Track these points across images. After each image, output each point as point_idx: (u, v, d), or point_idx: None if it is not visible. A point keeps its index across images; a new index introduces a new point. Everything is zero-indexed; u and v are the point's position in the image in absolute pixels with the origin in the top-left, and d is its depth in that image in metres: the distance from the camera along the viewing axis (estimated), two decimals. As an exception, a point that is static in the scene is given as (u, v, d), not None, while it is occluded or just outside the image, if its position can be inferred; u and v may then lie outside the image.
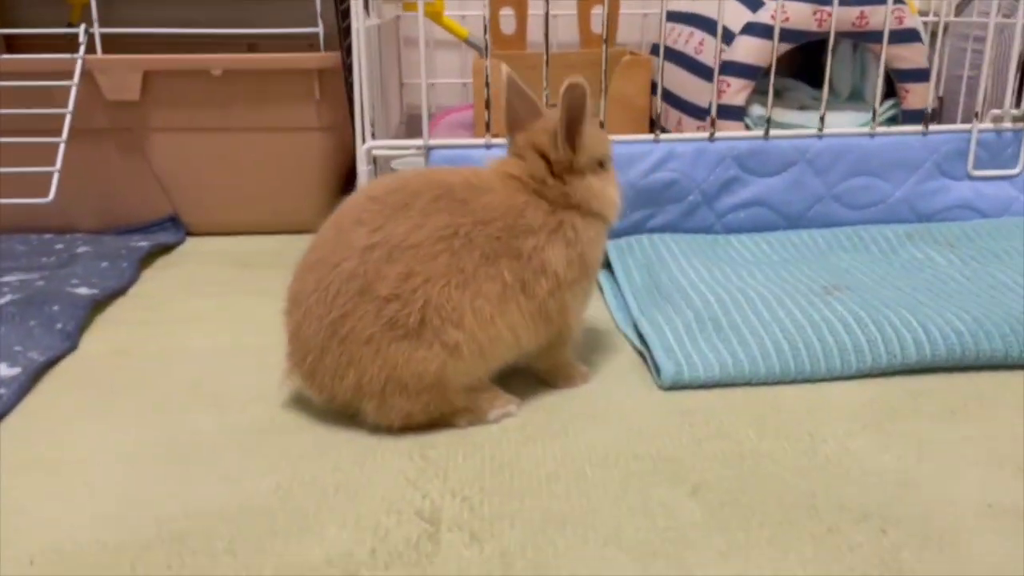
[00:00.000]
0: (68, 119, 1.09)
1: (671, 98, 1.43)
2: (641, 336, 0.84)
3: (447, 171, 0.75)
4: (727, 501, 0.60)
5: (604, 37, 1.17)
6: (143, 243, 1.16)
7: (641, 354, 0.83)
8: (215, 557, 0.54)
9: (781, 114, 1.24)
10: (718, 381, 0.76)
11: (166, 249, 1.19)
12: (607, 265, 1.00)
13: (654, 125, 1.55)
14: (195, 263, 1.14)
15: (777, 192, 1.07)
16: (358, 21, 0.99)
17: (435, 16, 1.38)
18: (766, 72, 1.25)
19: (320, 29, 1.19)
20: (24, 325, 0.89)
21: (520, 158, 0.75)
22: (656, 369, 0.78)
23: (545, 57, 1.05)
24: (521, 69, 1.50)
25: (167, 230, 1.24)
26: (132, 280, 1.06)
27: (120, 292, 1.02)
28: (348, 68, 1.10)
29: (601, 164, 0.77)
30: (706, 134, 1.08)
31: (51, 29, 1.22)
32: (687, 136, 1.09)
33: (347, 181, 1.37)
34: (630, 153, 1.04)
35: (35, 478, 0.64)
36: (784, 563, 0.53)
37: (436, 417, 0.69)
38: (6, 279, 1.03)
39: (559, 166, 0.73)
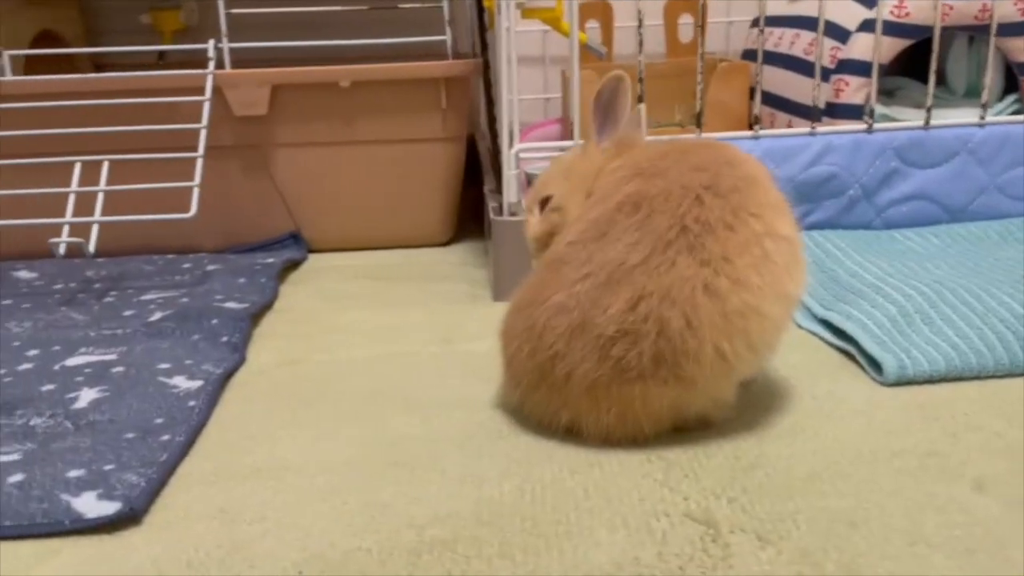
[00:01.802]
0: (203, 134, 1.07)
1: (777, 101, 1.41)
2: (835, 331, 0.80)
3: (612, 187, 0.66)
4: (1020, 494, 0.55)
5: (700, 46, 1.14)
6: (271, 259, 1.14)
7: (842, 351, 0.79)
8: (490, 561, 0.51)
9: (897, 112, 1.20)
10: (944, 375, 0.71)
11: (293, 266, 1.17)
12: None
13: (758, 124, 1.53)
14: (327, 278, 1.12)
15: (939, 184, 1.03)
16: (508, 21, 0.96)
17: (554, 22, 1.36)
18: (885, 70, 1.22)
19: (448, 36, 1.17)
20: (187, 339, 0.86)
21: None
22: (872, 364, 0.74)
23: (640, 69, 1.02)
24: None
25: (289, 247, 1.22)
26: (275, 295, 1.03)
27: (267, 306, 0.99)
28: (487, 73, 1.09)
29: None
30: (863, 125, 1.04)
31: (152, 47, 1.21)
32: (844, 128, 1.05)
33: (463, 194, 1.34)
34: (787, 147, 1.01)
35: (264, 486, 0.60)
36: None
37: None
38: (147, 297, 1.01)
39: None
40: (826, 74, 1.31)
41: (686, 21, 1.62)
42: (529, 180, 1.14)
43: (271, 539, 0.54)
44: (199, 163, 1.05)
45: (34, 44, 1.32)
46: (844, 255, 0.94)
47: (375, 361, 0.83)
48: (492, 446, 0.65)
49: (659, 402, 0.60)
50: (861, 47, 1.31)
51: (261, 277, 1.07)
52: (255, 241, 1.22)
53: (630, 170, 0.66)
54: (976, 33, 1.15)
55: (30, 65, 1.26)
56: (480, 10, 1.03)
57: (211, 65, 1.12)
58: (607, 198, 0.65)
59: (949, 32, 1.21)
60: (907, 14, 1.22)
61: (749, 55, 1.59)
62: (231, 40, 1.14)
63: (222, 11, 1.13)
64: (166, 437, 0.67)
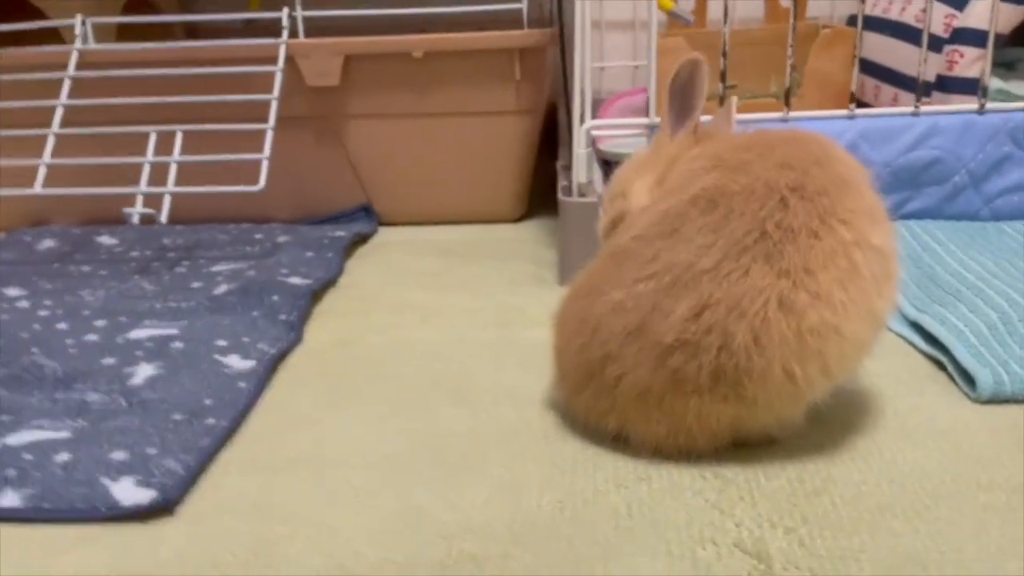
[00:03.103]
0: (274, 105, 1.06)
1: (882, 72, 1.30)
2: (926, 336, 0.73)
3: (688, 177, 0.60)
4: None
5: (793, 16, 1.05)
6: (341, 233, 1.13)
7: (933, 359, 0.72)
8: (517, 585, 0.48)
9: (1016, 87, 1.09)
10: (1049, 394, 0.64)
11: (362, 239, 1.16)
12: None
13: (859, 105, 1.42)
14: (395, 253, 1.10)
15: (1061, 173, 0.93)
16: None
17: (641, -12, 1.29)
18: (1004, 41, 1.10)
19: (524, 5, 1.12)
20: (247, 316, 0.86)
21: None
22: (964, 377, 0.67)
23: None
24: (703, 49, 1.38)
25: (360, 220, 1.21)
26: (340, 270, 1.02)
27: (331, 282, 0.99)
28: (561, 40, 1.03)
29: None
30: (975, 105, 0.94)
31: (240, 15, 1.20)
32: (952, 108, 0.95)
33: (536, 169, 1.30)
34: (886, 127, 0.92)
35: (300, 480, 0.59)
36: None
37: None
38: (217, 268, 1.02)
39: None
40: (939, 44, 1.20)
41: (789, -17, 1.50)
42: (605, 160, 1.09)
43: (298, 542, 0.52)
44: (269, 135, 1.04)
45: (126, 10, 1.34)
46: (944, 250, 0.85)
47: (429, 345, 0.80)
48: (537, 449, 0.62)
49: (715, 420, 0.55)
50: (980, 15, 1.19)
51: (328, 252, 1.06)
52: (327, 212, 1.22)
53: (710, 160, 0.60)
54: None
55: (123, 31, 1.28)
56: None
57: (284, 34, 1.11)
58: (682, 189, 0.60)
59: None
60: (1032, -23, 1.10)
61: (855, 21, 1.48)
62: (306, 8, 1.12)
63: (297, -21, 1.11)
64: (211, 421, 0.66)
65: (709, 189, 0.58)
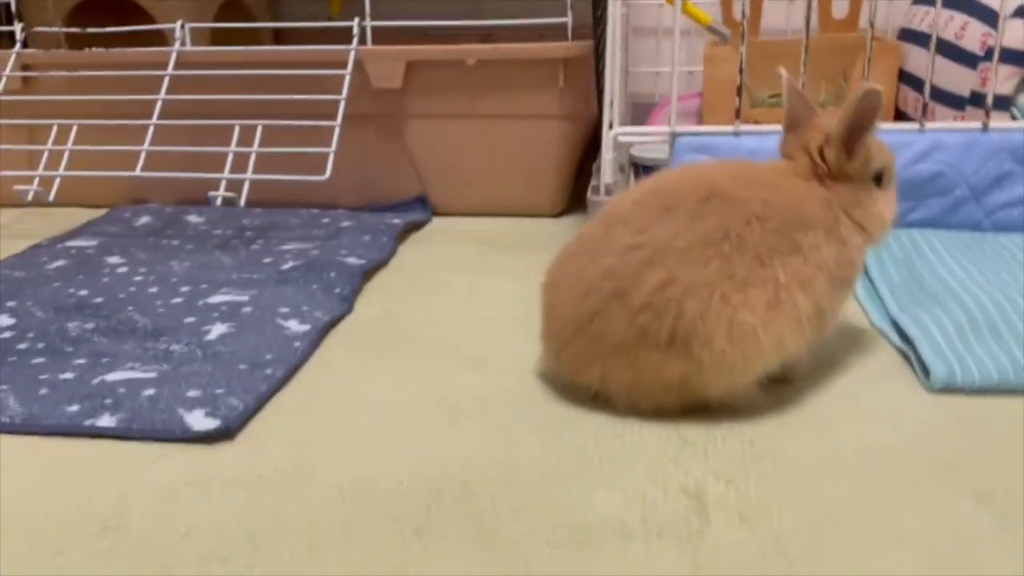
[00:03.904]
0: (342, 104, 1.19)
1: (923, 86, 1.35)
2: (903, 335, 0.81)
3: (710, 167, 0.74)
4: (1020, 510, 0.56)
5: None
6: (396, 220, 1.26)
7: (904, 354, 0.79)
8: (497, 508, 0.59)
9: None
10: (996, 387, 0.71)
11: (417, 226, 1.28)
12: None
13: (900, 116, 1.47)
14: (443, 241, 1.22)
15: (1059, 189, 0.98)
16: (614, 7, 1.01)
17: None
18: None
19: (569, 19, 1.23)
20: (308, 288, 1.00)
21: (790, 159, 0.74)
22: (923, 369, 0.74)
23: (804, 44, 1.02)
24: (756, 58, 1.47)
25: (416, 209, 1.33)
26: (392, 253, 1.15)
27: (383, 263, 1.11)
28: (599, 55, 1.13)
29: (879, 178, 0.74)
30: (978, 124, 1.00)
31: (319, 23, 1.35)
32: (958, 125, 1.02)
33: (580, 170, 1.40)
34: (895, 142, 0.99)
35: (336, 421, 0.72)
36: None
37: (689, 407, 0.69)
38: (286, 247, 1.16)
39: (828, 169, 0.72)
40: (975, 61, 1.25)
41: (842, -5, 1.55)
42: (637, 165, 1.18)
43: (328, 464, 0.65)
44: (336, 131, 1.18)
45: (220, 12, 1.50)
46: (936, 256, 0.92)
47: (459, 321, 0.92)
48: (533, 409, 0.73)
49: (671, 373, 0.66)
50: (1015, 34, 1.24)
51: (383, 236, 1.19)
52: (388, 202, 1.35)
53: (737, 166, 0.72)
54: None
55: (216, 33, 1.44)
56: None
57: (354, 41, 1.24)
58: (693, 172, 0.72)
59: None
60: (1070, -2, 1.15)
61: (904, 35, 1.52)
62: (374, 19, 1.25)
63: (367, -8, 1.25)
64: (269, 371, 0.79)
65: (713, 184, 0.69)
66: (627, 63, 1.66)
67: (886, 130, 1.00)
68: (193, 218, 1.31)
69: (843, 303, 0.73)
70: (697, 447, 0.65)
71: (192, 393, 0.75)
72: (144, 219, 1.31)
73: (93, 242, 1.20)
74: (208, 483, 0.63)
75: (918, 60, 1.40)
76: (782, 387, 0.73)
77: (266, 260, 1.11)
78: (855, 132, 0.70)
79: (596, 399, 0.71)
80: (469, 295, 1.00)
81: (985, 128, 1.00)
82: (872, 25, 1.06)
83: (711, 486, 0.60)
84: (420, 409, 0.73)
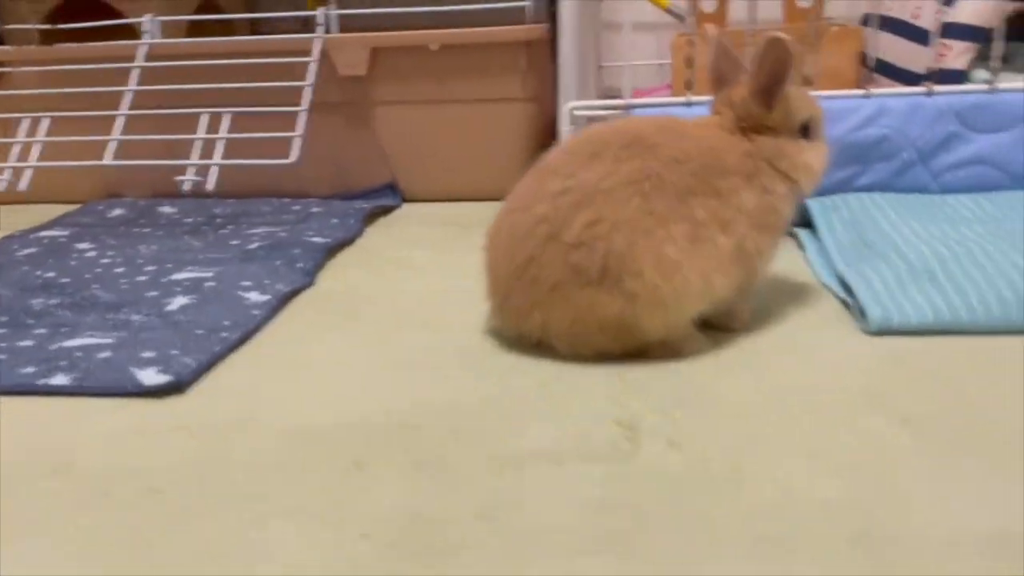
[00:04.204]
0: (309, 91, 1.21)
1: (885, 67, 1.38)
2: (847, 288, 0.82)
3: (638, 120, 0.77)
4: (943, 432, 0.58)
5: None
6: (366, 205, 1.28)
7: (846, 305, 0.81)
8: (437, 442, 0.60)
9: (1008, 79, 1.15)
10: (931, 328, 0.73)
11: (386, 211, 1.30)
12: (808, 224, 0.98)
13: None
14: (411, 223, 1.24)
15: (1004, 150, 1.00)
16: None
17: (641, -12, 1.40)
18: (990, 35, 1.17)
19: (529, 2, 1.25)
20: (271, 263, 1.01)
21: (717, 115, 0.76)
22: (863, 315, 0.76)
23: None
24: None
25: (386, 195, 1.35)
26: (358, 233, 1.17)
27: (349, 242, 1.13)
28: (555, 34, 1.16)
29: (806, 130, 0.76)
30: (922, 88, 1.03)
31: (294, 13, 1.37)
32: (901, 91, 1.04)
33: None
34: (838, 109, 1.01)
35: (288, 375, 0.73)
36: (1010, 489, 0.51)
37: (630, 349, 0.71)
38: (255, 231, 1.17)
39: (749, 121, 0.74)
40: (930, 38, 1.28)
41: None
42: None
43: (276, 411, 0.66)
44: (302, 116, 1.20)
45: (197, 11, 1.52)
46: (883, 216, 0.94)
47: (418, 291, 0.94)
48: (483, 361, 0.74)
49: (606, 310, 0.68)
50: (967, 11, 1.27)
51: (351, 219, 1.20)
52: (359, 189, 1.37)
53: (663, 119, 0.75)
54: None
55: (192, 28, 1.47)
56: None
57: (319, 30, 1.27)
58: (621, 123, 0.75)
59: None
60: (1017, -26, 1.17)
61: (866, 21, 1.55)
62: (339, 7, 1.28)
63: (331, -19, 1.27)
64: (225, 335, 0.81)
65: (637, 133, 0.72)
66: (600, 57, 1.69)
67: (832, 96, 1.02)
68: (166, 209, 1.32)
69: (771, 248, 0.74)
70: (637, 388, 0.67)
71: (146, 354, 0.76)
72: (117, 211, 1.32)
73: (65, 232, 1.22)
74: (155, 429, 0.64)
75: (883, 44, 1.43)
76: (723, 335, 0.75)
77: (233, 242, 1.12)
78: (770, 84, 0.72)
79: (540, 348, 0.73)
80: (429, 269, 1.02)
81: (929, 92, 1.02)
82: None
83: (645, 418, 0.62)
84: (370, 365, 0.74)
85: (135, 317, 0.87)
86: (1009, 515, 0.49)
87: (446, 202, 1.34)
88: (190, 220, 1.26)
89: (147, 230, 1.22)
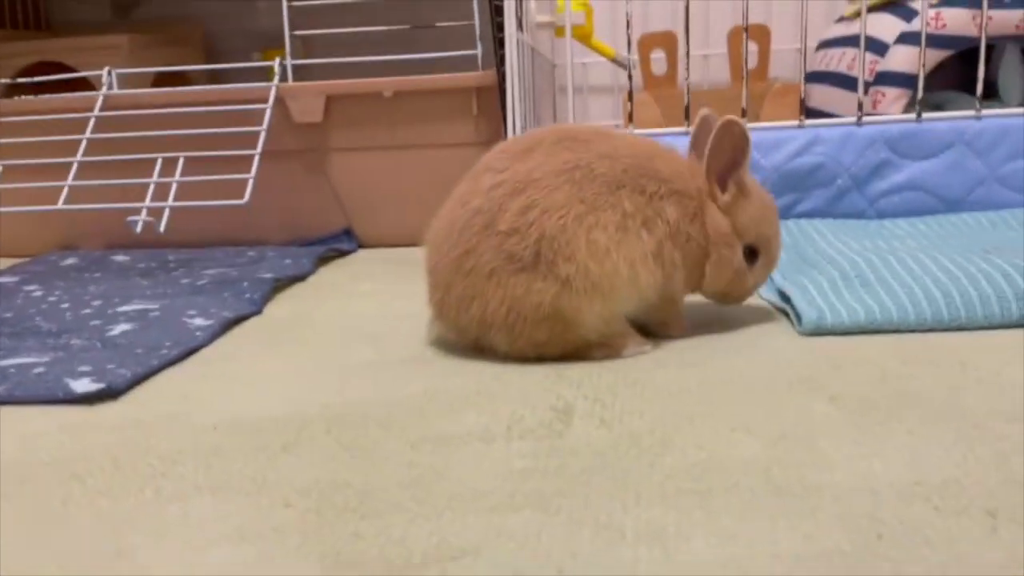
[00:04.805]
0: (263, 135, 1.24)
1: (824, 116, 1.44)
2: (785, 297, 0.84)
3: (576, 124, 0.80)
4: (867, 406, 0.59)
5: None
6: (321, 248, 1.29)
7: (785, 313, 0.82)
8: (367, 428, 0.60)
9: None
10: (863, 327, 0.74)
11: (342, 254, 1.31)
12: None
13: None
14: (364, 263, 1.25)
15: (935, 175, 1.04)
16: (511, 28, 1.08)
17: (584, 38, 1.46)
18: (932, 84, 1.23)
19: (479, 50, 1.30)
20: (219, 295, 1.01)
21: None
22: (798, 319, 0.77)
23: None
24: (672, 108, 1.55)
25: (342, 241, 1.36)
26: (310, 272, 1.17)
27: (300, 279, 1.13)
28: (503, 80, 1.20)
29: (753, 251, 0.76)
30: (853, 118, 1.07)
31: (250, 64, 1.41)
32: (833, 121, 1.08)
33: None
34: (775, 139, 1.05)
35: (226, 384, 0.72)
36: (926, 448, 0.52)
37: (570, 350, 0.71)
38: (208, 271, 1.18)
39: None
40: (865, 87, 1.34)
41: (753, 50, 1.68)
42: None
43: (205, 411, 0.65)
44: (256, 159, 1.22)
45: (157, 76, 1.56)
46: (820, 236, 0.97)
47: (364, 316, 0.94)
48: (423, 365, 0.74)
49: (542, 296, 0.69)
50: (898, 59, 1.34)
51: (304, 259, 1.21)
52: (314, 236, 1.38)
53: (602, 128, 0.78)
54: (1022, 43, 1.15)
55: (157, 80, 1.50)
56: (496, 25, 1.15)
57: (276, 79, 1.30)
58: (558, 126, 0.79)
59: (1000, 44, 1.20)
60: (943, 25, 1.24)
61: (810, 77, 1.63)
62: (294, 58, 1.32)
63: (287, 33, 1.31)
64: (164, 352, 0.80)
65: (570, 136, 0.74)
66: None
67: (767, 127, 1.06)
68: (119, 257, 1.32)
69: (685, 269, 0.74)
70: (574, 382, 0.67)
71: (82, 368, 0.75)
72: (70, 260, 1.32)
73: (15, 278, 1.21)
74: (82, 427, 0.63)
75: (820, 96, 1.50)
76: (663, 340, 0.75)
77: (184, 280, 1.12)
78: (726, 167, 0.74)
79: (482, 353, 0.73)
80: (377, 298, 1.02)
81: (859, 121, 1.07)
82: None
83: (579, 404, 0.62)
84: (316, 373, 0.74)
85: (75, 341, 0.86)
86: (926, 469, 0.49)
87: (403, 247, 1.35)
88: (143, 266, 1.25)
89: (98, 275, 1.21)
